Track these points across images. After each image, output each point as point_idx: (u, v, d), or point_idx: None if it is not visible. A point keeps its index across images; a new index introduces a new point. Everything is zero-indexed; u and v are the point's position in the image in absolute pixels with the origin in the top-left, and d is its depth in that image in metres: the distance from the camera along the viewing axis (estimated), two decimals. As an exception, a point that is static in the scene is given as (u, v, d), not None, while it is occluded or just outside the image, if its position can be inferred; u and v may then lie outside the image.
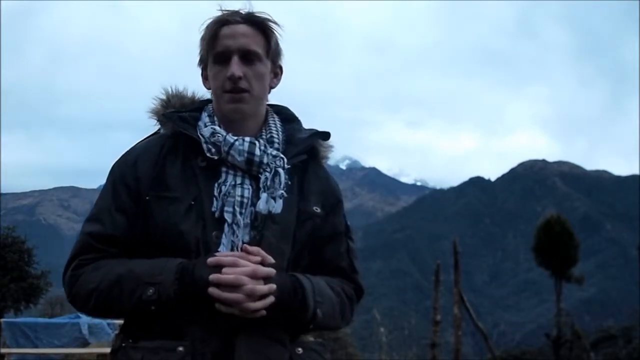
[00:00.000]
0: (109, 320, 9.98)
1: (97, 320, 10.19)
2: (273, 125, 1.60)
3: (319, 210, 1.56)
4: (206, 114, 1.57)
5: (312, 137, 1.61)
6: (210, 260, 1.38)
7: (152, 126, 1.64)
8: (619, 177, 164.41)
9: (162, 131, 1.60)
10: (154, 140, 1.58)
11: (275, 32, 1.57)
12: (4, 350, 9.36)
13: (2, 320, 10.85)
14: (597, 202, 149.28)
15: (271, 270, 1.40)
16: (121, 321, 1.55)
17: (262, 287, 1.37)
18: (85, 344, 10.29)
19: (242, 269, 1.37)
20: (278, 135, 1.58)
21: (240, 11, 1.54)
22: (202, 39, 1.55)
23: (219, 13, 1.54)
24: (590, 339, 17.47)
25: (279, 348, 1.44)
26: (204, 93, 1.65)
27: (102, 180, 1.61)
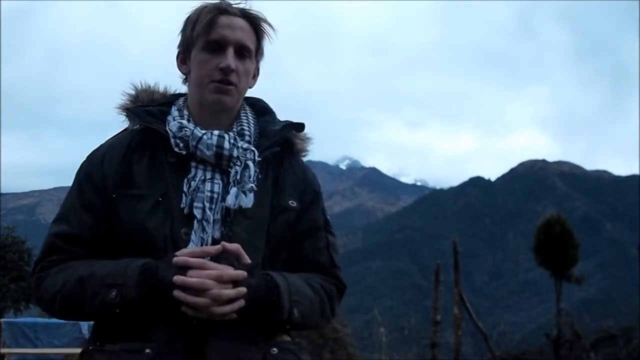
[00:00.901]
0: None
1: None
2: (244, 117, 1.55)
3: (294, 204, 1.51)
4: (175, 108, 1.53)
5: (285, 128, 1.55)
6: (176, 260, 1.33)
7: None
8: (619, 177, 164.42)
9: (130, 127, 1.56)
10: (121, 137, 1.53)
11: (266, 33, 1.54)
12: (4, 350, 9.36)
13: (2, 320, 10.84)
14: (597, 202, 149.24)
15: (240, 273, 1.33)
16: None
17: (229, 292, 1.31)
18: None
19: (208, 272, 1.31)
20: (249, 127, 1.53)
21: (239, 4, 1.51)
22: (194, 22, 1.48)
23: (215, 1, 1.50)
24: (590, 339, 17.47)
25: (252, 348, 1.39)
26: (177, 88, 1.60)
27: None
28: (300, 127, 1.58)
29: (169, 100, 1.57)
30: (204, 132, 1.46)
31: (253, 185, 1.44)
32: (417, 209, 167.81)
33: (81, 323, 10.31)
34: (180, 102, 1.55)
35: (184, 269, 1.32)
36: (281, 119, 1.60)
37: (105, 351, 1.37)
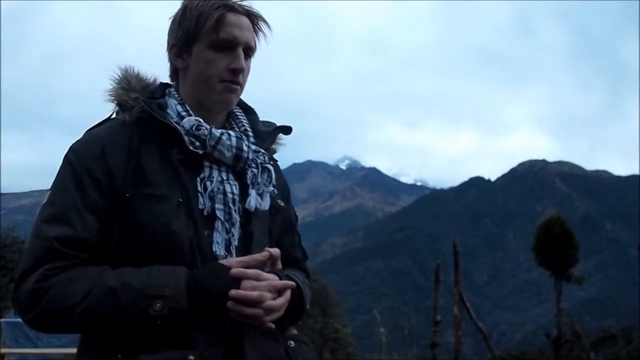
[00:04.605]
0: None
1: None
2: (241, 116, 1.53)
3: (283, 203, 1.54)
4: (176, 102, 1.44)
5: (276, 130, 1.56)
6: (234, 272, 1.30)
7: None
8: (619, 177, 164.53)
9: (116, 116, 1.45)
10: (117, 128, 1.40)
11: (262, 33, 1.50)
12: (4, 350, 9.36)
13: (2, 320, 10.83)
14: (597, 202, 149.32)
15: (287, 283, 1.37)
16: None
17: (279, 302, 1.35)
18: (85, 344, 10.29)
19: (262, 283, 1.31)
20: (248, 127, 1.52)
21: (242, 3, 1.47)
22: (197, 16, 1.41)
23: None
24: (590, 339, 17.45)
25: (276, 344, 1.42)
26: (151, 75, 1.50)
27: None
28: (289, 130, 1.59)
29: (159, 90, 1.48)
30: (221, 132, 1.42)
31: (274, 189, 1.47)
32: (417, 209, 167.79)
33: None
34: (176, 95, 1.47)
35: (236, 279, 1.31)
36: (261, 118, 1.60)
37: None
